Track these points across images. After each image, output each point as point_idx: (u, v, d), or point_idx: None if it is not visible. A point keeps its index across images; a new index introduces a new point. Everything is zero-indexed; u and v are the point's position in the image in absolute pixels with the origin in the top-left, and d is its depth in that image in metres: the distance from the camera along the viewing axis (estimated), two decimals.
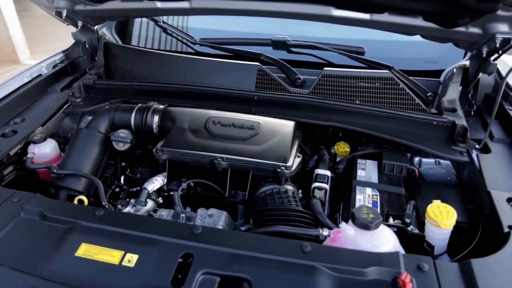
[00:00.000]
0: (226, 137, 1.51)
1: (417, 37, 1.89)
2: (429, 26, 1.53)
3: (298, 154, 1.51)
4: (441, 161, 1.70)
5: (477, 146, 1.61)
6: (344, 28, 1.95)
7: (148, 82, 1.90)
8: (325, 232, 1.19)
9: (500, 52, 1.55)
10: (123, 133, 1.63)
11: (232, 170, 1.44)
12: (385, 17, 1.54)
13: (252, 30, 2.15)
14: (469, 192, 1.52)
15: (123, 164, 1.75)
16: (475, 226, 1.37)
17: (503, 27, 1.45)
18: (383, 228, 1.22)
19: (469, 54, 1.93)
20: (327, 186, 1.51)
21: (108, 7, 1.77)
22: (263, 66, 1.88)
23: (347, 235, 1.19)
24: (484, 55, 1.62)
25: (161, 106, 1.70)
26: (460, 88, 1.85)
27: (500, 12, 1.36)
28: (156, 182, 1.50)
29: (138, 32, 2.39)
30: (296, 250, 1.10)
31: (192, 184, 1.52)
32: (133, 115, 1.67)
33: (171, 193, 1.53)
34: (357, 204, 1.47)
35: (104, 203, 1.40)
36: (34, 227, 1.20)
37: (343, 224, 1.22)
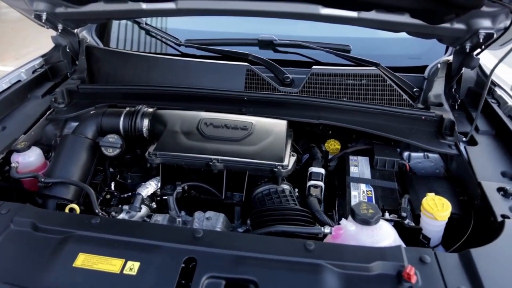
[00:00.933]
0: (219, 138, 1.50)
1: (400, 34, 1.93)
2: (415, 22, 1.56)
3: (292, 153, 1.51)
4: (430, 154, 1.74)
5: (463, 139, 1.65)
6: (329, 26, 1.97)
7: (135, 85, 1.85)
8: (326, 229, 1.19)
9: (483, 47, 1.60)
10: (112, 138, 1.58)
11: (228, 171, 1.43)
12: (372, 14, 1.56)
13: (236, 30, 2.14)
14: (459, 184, 1.56)
15: (111, 170, 1.70)
16: (467, 217, 1.40)
17: (486, 23, 1.50)
18: (382, 223, 1.23)
19: (450, 50, 1.98)
20: (322, 184, 1.51)
21: (90, 9, 1.72)
22: (252, 66, 1.87)
23: (348, 232, 1.20)
24: (467, 50, 1.67)
25: (150, 109, 1.66)
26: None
27: (483, 8, 1.40)
28: (150, 187, 1.46)
29: (117, 35, 2.34)
30: (300, 249, 1.10)
31: (185, 187, 1.50)
32: (121, 119, 1.63)
33: (165, 197, 1.51)
34: (353, 201, 1.48)
35: (97, 211, 1.36)
36: (26, 239, 1.14)
37: (343, 221, 1.22)
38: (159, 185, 1.49)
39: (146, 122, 1.62)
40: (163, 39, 2.13)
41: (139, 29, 2.19)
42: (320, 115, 1.71)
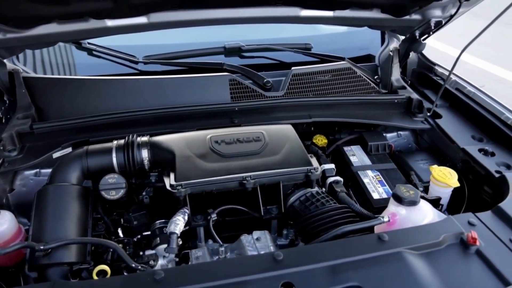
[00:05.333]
0: (239, 154, 1.42)
1: (345, 28, 2.11)
2: (382, 17, 1.71)
3: (310, 154, 1.52)
4: (401, 132, 1.95)
5: (428, 114, 1.90)
6: (278, 27, 2.03)
7: (107, 114, 1.60)
8: (385, 218, 1.25)
9: (431, 33, 1.85)
10: (112, 178, 1.36)
11: (261, 186, 1.37)
12: (346, 12, 1.66)
13: (193, 40, 2.02)
14: (437, 153, 1.79)
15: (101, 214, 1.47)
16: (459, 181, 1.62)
17: (438, 12, 1.74)
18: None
19: (386, 37, 2.21)
20: (341, 178, 1.56)
21: (39, 32, 1.42)
22: (234, 75, 1.80)
23: (401, 216, 1.28)
24: (417, 37, 1.90)
25: (145, 138, 1.47)
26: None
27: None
28: (180, 223, 1.30)
29: (41, 57, 1.97)
30: (375, 242, 1.14)
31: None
32: (114, 155, 1.41)
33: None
34: (368, 187, 1.58)
35: (134, 265, 1.16)
36: None
37: (392, 207, 1.30)
38: (186, 218, 1.34)
39: (145, 152, 1.43)
40: (115, 58, 1.87)
41: (81, 50, 1.89)
42: (310, 113, 1.76)
